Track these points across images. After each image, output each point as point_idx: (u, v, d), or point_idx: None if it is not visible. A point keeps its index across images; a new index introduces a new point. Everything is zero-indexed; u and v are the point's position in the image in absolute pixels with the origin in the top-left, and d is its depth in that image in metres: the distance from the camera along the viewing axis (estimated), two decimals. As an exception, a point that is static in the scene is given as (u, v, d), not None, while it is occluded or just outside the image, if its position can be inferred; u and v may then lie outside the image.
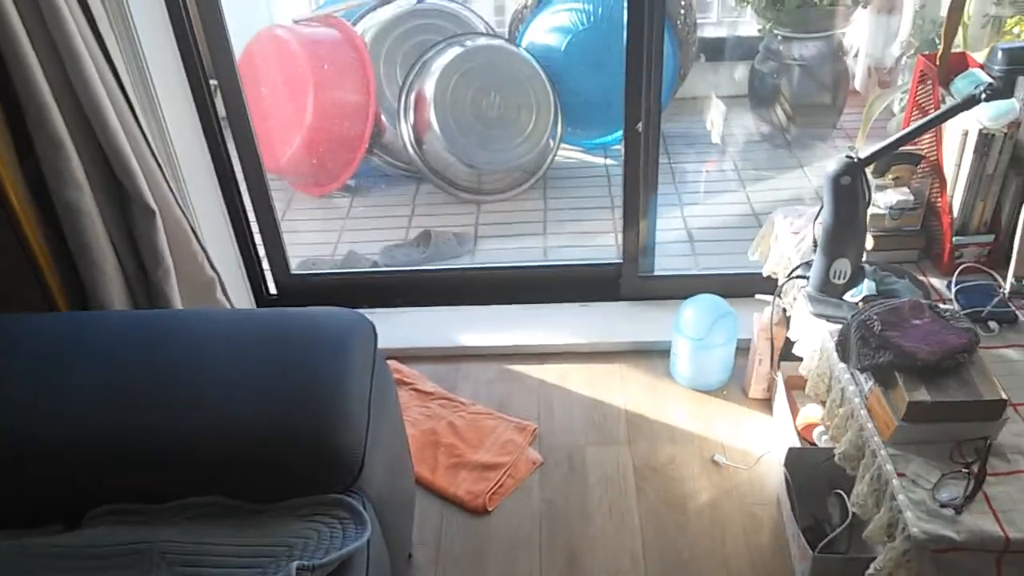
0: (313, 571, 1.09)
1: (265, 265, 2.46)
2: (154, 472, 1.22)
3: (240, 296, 2.37)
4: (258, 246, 2.42)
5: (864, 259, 1.57)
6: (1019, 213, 1.48)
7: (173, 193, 1.75)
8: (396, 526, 1.41)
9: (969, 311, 1.49)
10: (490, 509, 1.87)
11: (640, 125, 2.15)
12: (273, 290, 2.50)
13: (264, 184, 2.32)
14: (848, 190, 1.45)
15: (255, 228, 2.39)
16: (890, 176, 1.66)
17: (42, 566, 1.14)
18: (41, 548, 1.15)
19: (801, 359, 1.60)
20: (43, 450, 1.22)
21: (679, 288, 2.30)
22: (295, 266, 2.53)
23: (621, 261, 2.40)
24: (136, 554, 1.14)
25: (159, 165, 1.72)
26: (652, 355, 2.27)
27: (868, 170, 1.46)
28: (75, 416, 1.24)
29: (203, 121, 2.13)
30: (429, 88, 2.96)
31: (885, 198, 1.64)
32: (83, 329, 1.40)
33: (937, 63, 1.60)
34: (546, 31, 3.17)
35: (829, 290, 1.55)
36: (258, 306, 2.46)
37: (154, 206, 1.68)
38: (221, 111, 2.17)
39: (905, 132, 1.44)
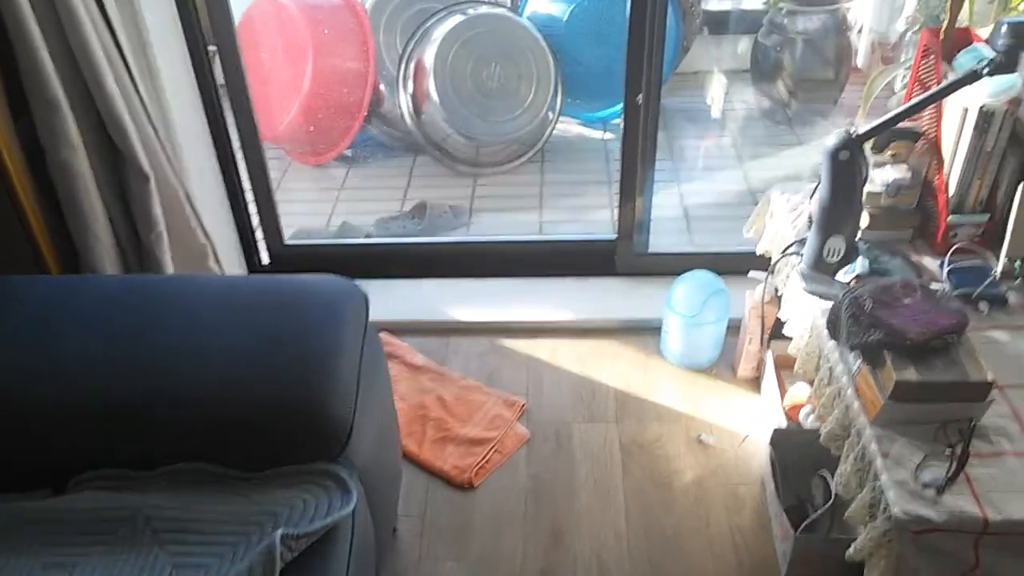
0: (297, 539, 1.10)
1: (259, 234, 2.45)
2: (141, 438, 1.22)
3: (232, 264, 2.36)
4: (252, 215, 2.40)
5: (859, 237, 1.56)
6: (1015, 192, 1.47)
7: (168, 158, 1.74)
8: (382, 498, 1.42)
9: (960, 292, 1.48)
10: (476, 484, 1.87)
11: (640, 97, 2.13)
12: (266, 259, 2.49)
13: (260, 151, 2.30)
14: (846, 165, 1.44)
15: (250, 196, 2.37)
16: (889, 152, 1.65)
17: (29, 531, 1.15)
18: (28, 513, 1.16)
19: (790, 339, 1.60)
20: (30, 414, 1.22)
21: (674, 265, 2.28)
22: (289, 236, 2.52)
23: (616, 237, 2.39)
24: (121, 520, 1.15)
25: (155, 129, 1.71)
26: (643, 332, 2.27)
27: (867, 146, 1.45)
28: (63, 380, 1.24)
29: (201, 86, 2.11)
30: (429, 57, 2.93)
31: (882, 175, 1.63)
32: (74, 293, 1.39)
33: (942, 37, 1.58)
34: (549, 1, 3.14)
35: (822, 268, 1.54)
36: (251, 275, 2.46)
37: (148, 170, 1.67)
38: (219, 77, 2.15)
39: (905, 107, 1.43)
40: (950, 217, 1.60)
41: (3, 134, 1.51)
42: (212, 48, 2.11)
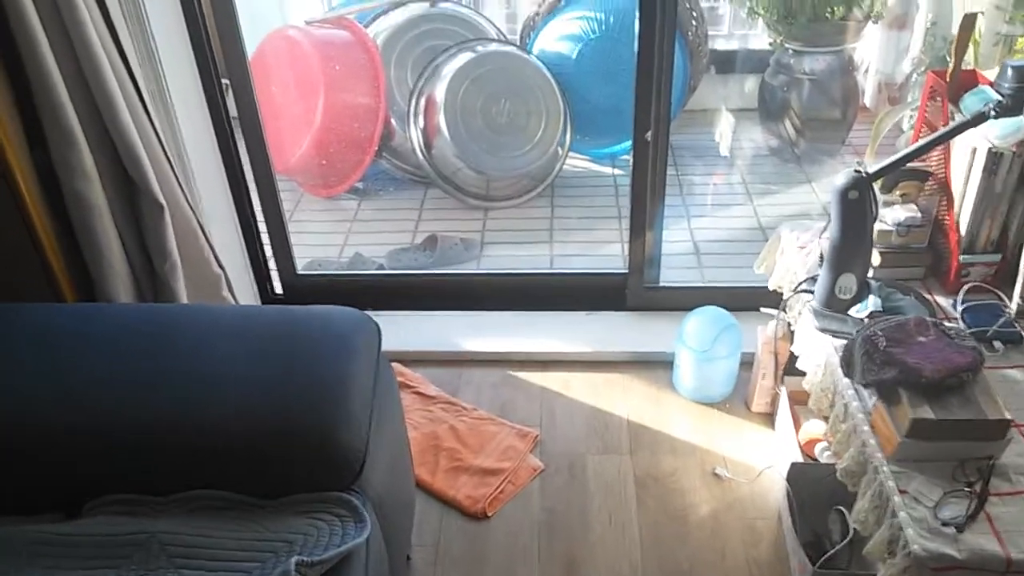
0: (312, 567, 1.09)
1: (271, 264, 2.47)
2: (155, 464, 1.22)
3: (246, 294, 2.37)
4: (265, 245, 2.42)
5: (870, 275, 1.57)
6: (1027, 233, 1.48)
7: (182, 189, 1.76)
8: (396, 526, 1.41)
9: (974, 330, 1.49)
10: (490, 514, 1.86)
11: (649, 134, 2.15)
12: (279, 290, 2.51)
13: (273, 183, 2.32)
14: (856, 205, 1.45)
15: (263, 227, 2.39)
16: (898, 192, 1.66)
17: (43, 554, 1.14)
18: (42, 536, 1.16)
19: (804, 374, 1.60)
20: (45, 439, 1.22)
21: (684, 300, 2.29)
22: (301, 266, 2.53)
23: (627, 271, 2.40)
24: (135, 545, 1.14)
25: (169, 161, 1.72)
26: (655, 366, 2.27)
27: (876, 185, 1.46)
28: (77, 406, 1.24)
29: (214, 119, 2.14)
30: (439, 93, 2.97)
31: (892, 214, 1.64)
32: (88, 321, 1.40)
33: (947, 79, 1.60)
34: (557, 39, 3.18)
35: (834, 305, 1.55)
36: (263, 305, 2.47)
37: (163, 201, 1.68)
38: (232, 110, 2.18)
39: (914, 148, 1.44)
40: (962, 256, 1.61)
41: (19, 164, 1.53)
42: (225, 82, 2.14)
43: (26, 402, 1.25)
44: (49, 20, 1.48)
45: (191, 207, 1.79)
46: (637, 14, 2.01)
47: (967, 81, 1.61)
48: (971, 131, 1.46)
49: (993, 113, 1.37)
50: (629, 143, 2.23)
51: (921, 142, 1.45)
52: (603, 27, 3.10)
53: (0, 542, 1.15)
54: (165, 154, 1.71)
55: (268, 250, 2.44)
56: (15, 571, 1.12)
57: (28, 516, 1.20)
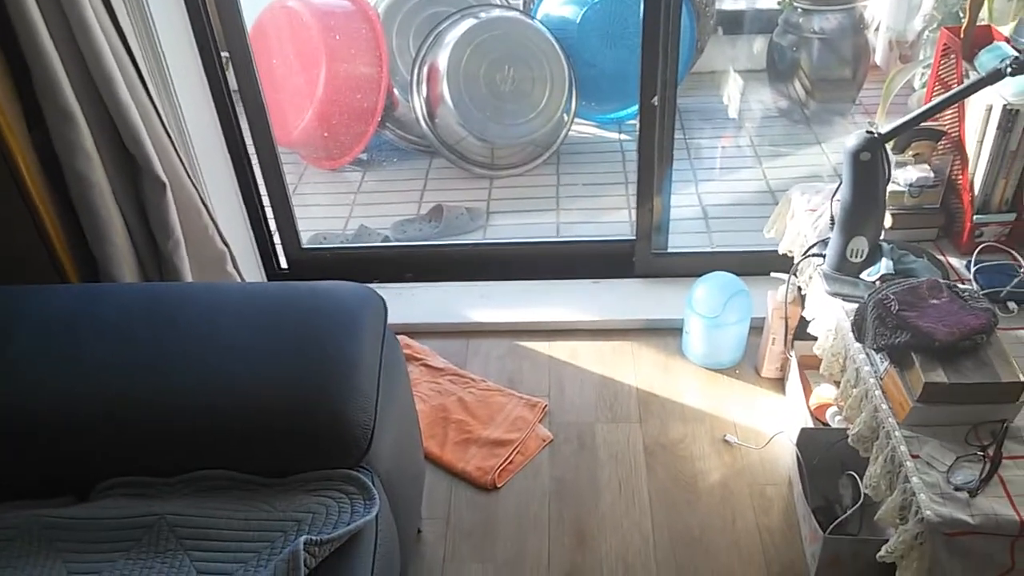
0: (321, 546, 1.09)
1: (276, 239, 2.46)
2: (163, 445, 1.22)
3: (251, 270, 2.37)
4: (269, 220, 2.41)
5: (882, 237, 1.54)
6: (1042, 192, 1.45)
7: (184, 165, 1.74)
8: (405, 501, 1.41)
9: (988, 291, 1.47)
10: (499, 485, 1.87)
11: (656, 99, 2.12)
12: (284, 264, 2.50)
13: (276, 157, 2.31)
14: (868, 166, 1.42)
15: (266, 201, 2.38)
16: (910, 152, 1.63)
17: (55, 538, 1.15)
18: (53, 520, 1.16)
19: (815, 338, 1.58)
20: (52, 422, 1.22)
21: (693, 265, 2.27)
22: (306, 240, 2.52)
23: (634, 238, 2.37)
24: (145, 527, 1.15)
25: (170, 137, 1.71)
26: (664, 333, 2.26)
27: (888, 146, 1.43)
28: (84, 388, 1.24)
29: (214, 93, 2.12)
30: (442, 60, 2.93)
31: (905, 175, 1.61)
32: (93, 301, 1.39)
33: (961, 36, 1.56)
34: (561, 3, 3.13)
35: (846, 268, 1.53)
36: (269, 280, 2.46)
37: (164, 178, 1.67)
38: (233, 83, 2.15)
39: (927, 107, 1.41)
40: (975, 216, 1.58)
41: (19, 145, 1.52)
42: (225, 55, 2.12)
43: (33, 385, 1.24)
44: (45, -2, 1.46)
45: (193, 184, 1.77)
46: (642, -25, 1.96)
47: (981, 37, 1.57)
48: (986, 89, 1.42)
49: (1010, 70, 1.33)
50: (635, 108, 2.20)
51: (934, 101, 1.41)
52: (607, -10, 3.04)
53: (12, 527, 1.15)
54: (165, 131, 1.70)
55: (272, 224, 2.42)
56: (28, 555, 1.13)
57: (38, 500, 1.20)
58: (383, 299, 1.42)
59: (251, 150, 2.27)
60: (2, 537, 1.15)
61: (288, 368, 1.25)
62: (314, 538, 1.08)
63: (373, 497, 1.18)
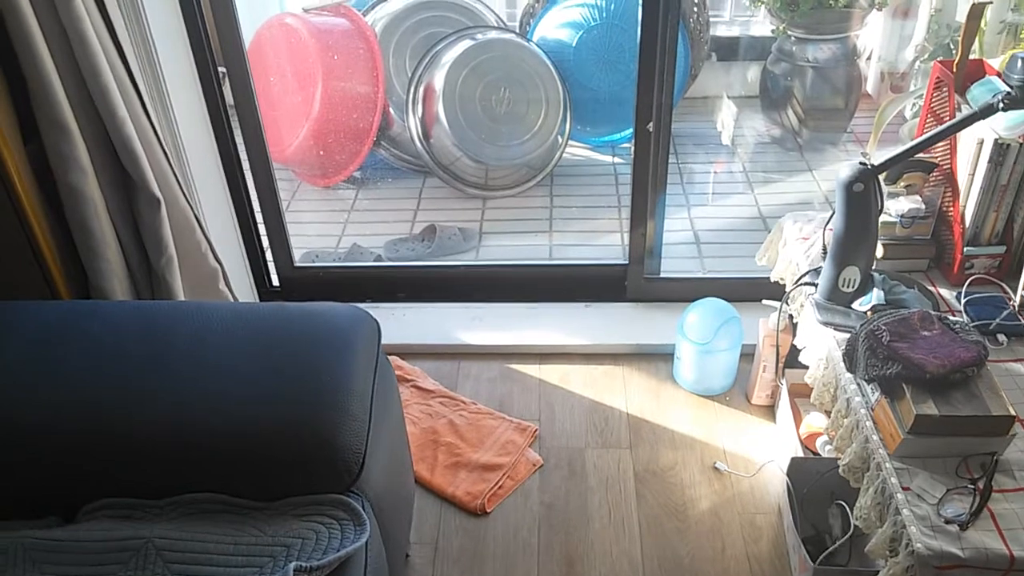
0: (311, 572, 1.08)
1: (268, 256, 2.45)
2: (151, 467, 1.21)
3: (242, 288, 2.36)
4: (262, 237, 2.40)
5: (874, 267, 1.55)
6: (1033, 226, 1.47)
7: (179, 182, 1.74)
8: (395, 526, 1.40)
9: (978, 323, 1.47)
10: (489, 510, 1.85)
11: (651, 125, 2.13)
12: (276, 282, 2.49)
13: (270, 174, 2.30)
14: (861, 197, 1.43)
15: (260, 219, 2.37)
16: (902, 183, 1.64)
17: (40, 560, 1.13)
18: (39, 542, 1.14)
19: (806, 367, 1.58)
20: (39, 441, 1.20)
21: (685, 291, 2.28)
22: (298, 258, 2.51)
23: (627, 262, 2.38)
24: (132, 550, 1.13)
25: (165, 153, 1.70)
26: (655, 358, 2.26)
27: (880, 177, 1.45)
28: (72, 407, 1.23)
29: (210, 109, 2.12)
30: (438, 81, 2.94)
31: (896, 206, 1.63)
32: (84, 318, 1.38)
33: (954, 69, 1.58)
34: (557, 26, 3.15)
35: (837, 298, 1.53)
36: (260, 298, 2.45)
37: (159, 195, 1.66)
38: (229, 99, 2.16)
39: (920, 140, 1.42)
40: (966, 248, 1.59)
41: (14, 158, 1.51)
42: (222, 71, 2.12)
43: (19, 402, 1.23)
44: (44, 10, 1.46)
45: (188, 200, 1.76)
46: (640, 1, 1.98)
47: (974, 71, 1.59)
48: (978, 122, 1.44)
49: (1002, 105, 1.35)
50: (629, 131, 2.22)
51: (928, 134, 1.43)
52: (604, 14, 3.07)
53: (-4, 546, 1.14)
54: (161, 147, 1.69)
55: (265, 242, 2.41)
56: None
57: (24, 520, 1.19)
58: (377, 322, 1.42)
59: (245, 166, 2.27)
60: (-14, 557, 1.13)
61: (280, 391, 1.24)
62: (304, 564, 1.07)
63: (363, 523, 1.17)
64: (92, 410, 1.22)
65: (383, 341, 1.43)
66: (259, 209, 2.35)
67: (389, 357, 1.53)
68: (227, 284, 1.89)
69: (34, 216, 1.57)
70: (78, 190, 1.59)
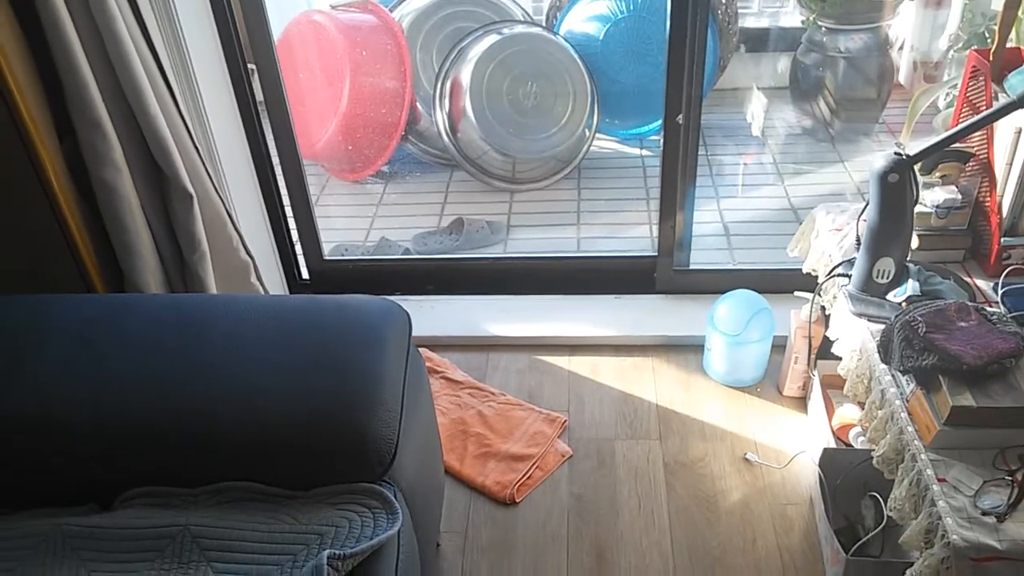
0: (344, 560, 1.09)
1: (298, 250, 2.47)
2: (187, 456, 1.23)
3: (273, 281, 2.38)
4: (292, 231, 2.42)
5: (909, 258, 1.53)
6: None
7: (210, 177, 1.76)
8: (426, 515, 1.41)
9: (1016, 314, 1.45)
10: (518, 500, 1.86)
11: (680, 117, 2.12)
12: (305, 275, 2.51)
13: (299, 169, 2.32)
14: (895, 188, 1.41)
15: (289, 213, 2.39)
16: (937, 174, 1.62)
17: (78, 547, 1.15)
18: (77, 529, 1.17)
19: (838, 358, 1.57)
20: (77, 431, 1.23)
21: (715, 283, 2.27)
22: (328, 252, 2.53)
23: (656, 254, 2.37)
24: (168, 537, 1.15)
25: (197, 149, 1.72)
26: (685, 350, 2.25)
27: (915, 167, 1.43)
28: (109, 398, 1.25)
29: (240, 105, 2.14)
30: (465, 75, 2.94)
31: (932, 196, 1.60)
32: (119, 312, 1.40)
33: (991, 58, 1.56)
34: (584, 20, 3.14)
35: (872, 289, 1.52)
36: (290, 291, 2.48)
37: (191, 190, 1.68)
38: (259, 95, 2.18)
39: (956, 130, 1.40)
40: (1003, 239, 1.57)
41: (49, 155, 1.53)
42: (252, 67, 2.14)
43: (58, 394, 1.25)
44: (77, 9, 1.48)
45: (219, 195, 1.79)
46: (668, -7, 1.97)
47: (1011, 60, 1.56)
48: (1015, 112, 1.41)
49: (1040, 93, 1.32)
50: (658, 124, 2.21)
51: (964, 124, 1.40)
52: (631, 7, 3.05)
53: (36, 535, 1.16)
54: (193, 143, 1.71)
55: (295, 236, 2.44)
56: (51, 564, 1.13)
57: (62, 507, 1.21)
58: (408, 314, 1.42)
59: (275, 161, 2.29)
60: (26, 545, 1.15)
61: (313, 382, 1.25)
62: (338, 552, 1.08)
63: (396, 512, 1.18)
64: (128, 401, 1.24)
65: (412, 333, 1.43)
66: (289, 203, 2.38)
67: (419, 349, 1.54)
68: (258, 277, 1.91)
69: (69, 212, 1.59)
70: (112, 186, 1.61)
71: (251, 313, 1.39)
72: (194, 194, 1.69)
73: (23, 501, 1.22)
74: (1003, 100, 1.40)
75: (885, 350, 1.39)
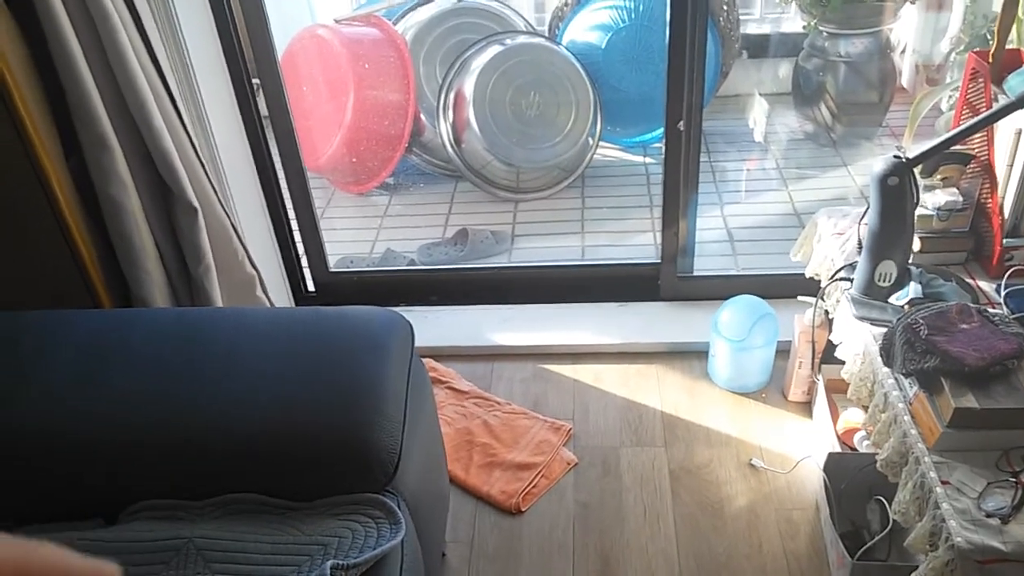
0: (348, 570, 1.10)
1: (304, 262, 2.48)
2: (192, 469, 1.24)
3: (279, 294, 2.39)
4: (297, 244, 2.44)
5: (910, 261, 1.53)
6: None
7: (215, 191, 1.77)
8: (430, 525, 1.41)
9: (1018, 315, 1.45)
10: (523, 509, 1.86)
11: (682, 124, 2.13)
12: (311, 287, 2.52)
13: (304, 182, 2.34)
14: (896, 191, 1.41)
15: (295, 226, 2.41)
16: (938, 176, 1.62)
17: (84, 560, 1.16)
18: (80, 543, 1.17)
19: (842, 362, 1.57)
20: (82, 445, 1.24)
21: (719, 289, 2.27)
22: (333, 264, 2.55)
23: (659, 261, 2.37)
24: (173, 550, 1.16)
25: (202, 163, 1.74)
26: (690, 356, 2.25)
27: (916, 170, 1.43)
28: (114, 411, 1.26)
29: (245, 119, 2.16)
30: (468, 87, 2.96)
31: (933, 199, 1.60)
32: (125, 326, 1.42)
33: (990, 60, 1.56)
34: (586, 29, 3.16)
35: (874, 293, 1.52)
36: (296, 303, 2.49)
37: (196, 204, 1.70)
38: (263, 110, 2.19)
39: (956, 132, 1.41)
40: (1005, 240, 1.56)
41: (55, 171, 1.55)
42: (256, 82, 2.16)
43: (64, 408, 1.26)
44: (81, 26, 1.50)
45: (224, 209, 1.80)
46: (668, 1, 1.97)
47: (1010, 61, 1.57)
48: (1015, 113, 1.41)
49: (1039, 94, 1.32)
50: (660, 131, 2.21)
51: (963, 126, 1.41)
52: (632, 15, 3.06)
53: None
54: (198, 157, 1.73)
55: (300, 248, 2.45)
56: None
57: (67, 522, 1.22)
58: (411, 324, 1.43)
59: (280, 175, 2.31)
60: (34, 558, 1.16)
61: (316, 393, 1.26)
62: (341, 562, 1.09)
63: (399, 522, 1.18)
64: (134, 415, 1.25)
65: (417, 344, 1.44)
66: (294, 216, 2.39)
67: (423, 359, 1.54)
68: (264, 290, 1.92)
69: (76, 228, 1.61)
70: (118, 202, 1.63)
71: (256, 326, 1.40)
72: (199, 208, 1.70)
73: (28, 516, 1.23)
74: (1003, 101, 1.40)
75: (888, 353, 1.39)
